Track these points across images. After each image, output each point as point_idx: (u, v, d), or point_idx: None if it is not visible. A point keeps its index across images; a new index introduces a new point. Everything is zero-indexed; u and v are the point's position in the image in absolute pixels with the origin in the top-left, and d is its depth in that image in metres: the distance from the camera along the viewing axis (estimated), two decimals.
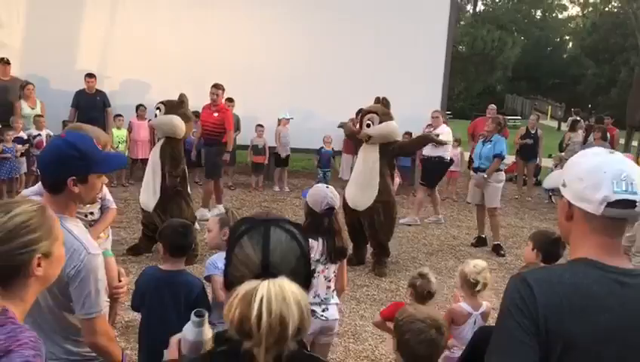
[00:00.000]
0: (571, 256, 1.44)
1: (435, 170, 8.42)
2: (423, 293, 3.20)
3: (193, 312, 1.34)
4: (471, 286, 3.20)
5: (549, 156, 12.92)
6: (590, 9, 39.49)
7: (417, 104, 10.28)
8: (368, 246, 6.44)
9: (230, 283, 1.21)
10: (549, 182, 1.57)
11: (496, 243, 7.37)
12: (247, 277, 1.16)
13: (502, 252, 7.22)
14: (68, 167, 1.92)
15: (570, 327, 1.29)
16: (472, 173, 7.46)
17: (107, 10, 10.03)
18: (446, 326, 2.35)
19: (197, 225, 6.45)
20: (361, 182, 6.18)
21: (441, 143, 7.52)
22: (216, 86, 7.88)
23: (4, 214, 1.46)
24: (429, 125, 8.94)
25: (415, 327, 2.29)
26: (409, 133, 10.15)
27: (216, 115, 7.84)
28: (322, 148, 10.33)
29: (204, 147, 8.18)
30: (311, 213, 3.26)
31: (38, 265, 1.48)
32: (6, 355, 1.31)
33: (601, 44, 33.53)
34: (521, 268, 3.03)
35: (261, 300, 1.08)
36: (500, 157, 7.14)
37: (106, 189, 2.91)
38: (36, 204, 1.54)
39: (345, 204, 6.22)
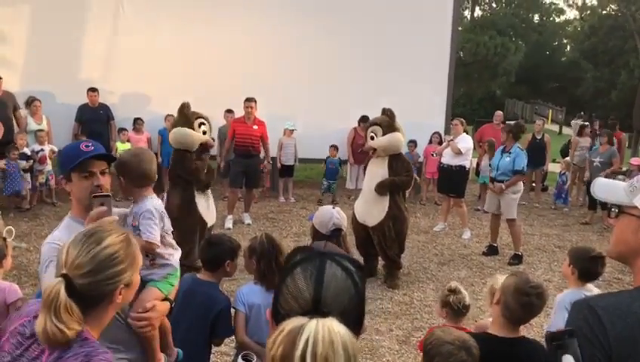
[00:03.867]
0: (638, 280, 1.35)
1: (457, 179, 8.28)
2: (458, 308, 3.14)
3: (241, 356, 1.27)
4: None
5: (553, 161, 12.85)
6: (588, 12, 39.56)
7: (422, 111, 10.26)
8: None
9: (276, 313, 1.15)
10: (609, 195, 1.43)
11: (517, 253, 7.26)
12: (295, 311, 1.10)
13: (515, 262, 7.14)
14: (59, 166, 2.34)
15: None
16: (490, 183, 7.34)
17: (109, 23, 9.98)
18: (476, 347, 2.28)
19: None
20: (370, 198, 6.08)
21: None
22: (250, 100, 8.19)
23: (95, 245, 1.52)
24: (444, 138, 8.86)
25: (444, 350, 2.23)
26: (414, 142, 10.12)
27: (255, 127, 8.17)
28: (328, 157, 10.24)
29: (240, 159, 8.20)
30: (317, 236, 3.17)
31: (119, 293, 1.55)
32: None
33: (599, 46, 33.56)
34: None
35: (306, 341, 1.01)
36: (520, 173, 7.06)
37: (142, 213, 2.43)
38: (122, 234, 1.60)
39: (353, 217, 6.14)
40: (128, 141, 9.40)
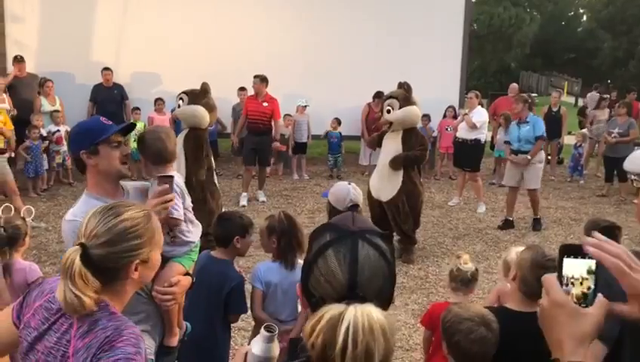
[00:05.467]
0: None
1: (473, 154, 8.20)
2: (466, 278, 3.12)
3: (263, 327, 1.27)
4: None
5: (569, 133, 12.67)
6: None
7: (436, 85, 10.13)
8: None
9: (309, 294, 1.15)
10: (635, 165, 1.40)
11: (536, 217, 7.39)
12: (330, 295, 1.09)
13: (538, 227, 7.28)
14: (76, 143, 2.18)
15: None
16: (510, 155, 7.26)
17: (121, 3, 9.93)
18: (495, 322, 2.27)
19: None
20: (384, 174, 6.05)
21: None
22: (256, 77, 8.11)
23: (114, 217, 1.53)
24: (458, 112, 8.78)
25: (463, 327, 2.21)
26: (427, 116, 10.01)
27: (266, 104, 8.09)
28: (328, 131, 10.20)
29: (251, 137, 8.20)
30: (334, 212, 3.16)
31: (135, 269, 1.55)
32: (110, 349, 1.41)
33: (617, 16, 32.75)
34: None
35: (347, 330, 1.01)
36: (542, 138, 7.07)
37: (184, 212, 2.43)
38: (144, 211, 1.61)
39: (368, 193, 6.13)
40: (151, 121, 9.29)
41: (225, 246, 3.07)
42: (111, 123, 2.21)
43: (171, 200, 2.19)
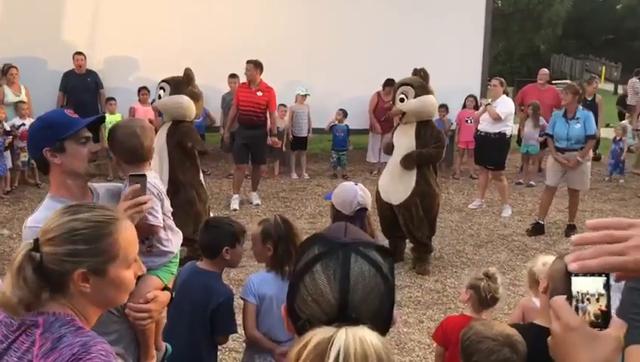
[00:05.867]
0: None
1: (497, 149, 8.18)
2: (486, 298, 3.12)
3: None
4: None
5: (607, 126, 12.65)
6: None
7: (455, 71, 10.10)
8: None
9: (294, 316, 1.14)
10: None
11: (571, 223, 7.42)
12: (318, 317, 1.08)
13: (571, 234, 7.24)
14: (38, 139, 2.17)
15: None
16: (556, 154, 7.22)
17: None
18: (522, 343, 2.26)
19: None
20: (395, 173, 6.04)
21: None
22: (249, 62, 8.05)
23: (69, 215, 1.55)
24: (480, 102, 8.75)
25: (484, 347, 2.22)
26: (445, 107, 10.00)
27: (260, 94, 8.04)
28: (335, 124, 10.17)
29: (244, 130, 8.19)
30: (339, 217, 3.16)
31: (84, 280, 1.52)
32: None
33: None
34: None
35: (337, 357, 1.00)
36: (593, 138, 7.17)
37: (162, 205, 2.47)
38: (110, 217, 1.60)
39: (377, 195, 6.13)
40: (134, 113, 9.26)
41: (212, 257, 3.06)
42: (77, 116, 2.21)
43: (145, 202, 2.17)
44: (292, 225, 3.17)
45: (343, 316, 1.07)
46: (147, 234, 2.32)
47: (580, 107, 7.22)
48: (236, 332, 3.20)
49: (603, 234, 1.02)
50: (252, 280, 3.16)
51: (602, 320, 1.01)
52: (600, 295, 1.01)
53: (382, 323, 1.10)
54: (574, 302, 1.02)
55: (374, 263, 1.13)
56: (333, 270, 1.10)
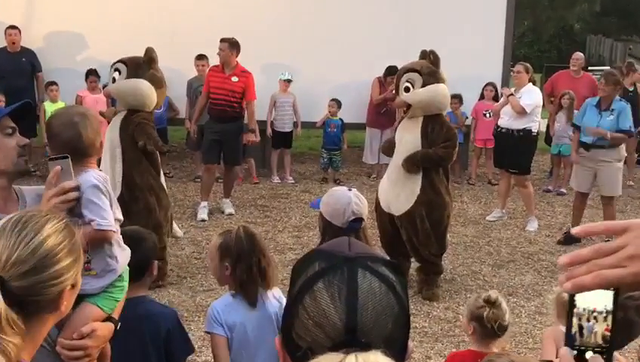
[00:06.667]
0: None
1: (521, 149, 8.22)
2: (492, 328, 3.19)
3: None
4: None
5: None
6: None
7: (470, 56, 10.17)
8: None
9: (293, 346, 1.14)
10: None
11: (608, 239, 7.36)
12: (321, 344, 1.09)
13: None
14: None
15: None
16: (580, 149, 7.45)
17: None
18: None
19: (178, 231, 6.64)
20: (398, 177, 6.09)
21: None
22: (224, 41, 8.03)
23: (34, 234, 1.53)
24: (501, 92, 8.80)
25: None
26: (458, 97, 10.06)
27: (235, 79, 8.04)
28: (327, 118, 10.19)
29: (215, 124, 8.23)
30: (330, 229, 3.19)
31: (64, 298, 1.58)
32: None
33: None
34: None
35: None
36: (629, 134, 7.39)
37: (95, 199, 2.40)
38: (62, 219, 1.63)
39: (377, 203, 6.18)
40: (82, 102, 9.17)
41: (139, 278, 3.03)
42: (1, 104, 2.26)
43: (71, 189, 2.17)
44: (258, 240, 3.19)
45: (351, 340, 1.07)
46: (98, 243, 2.30)
47: (618, 97, 7.37)
48: (194, 350, 3.31)
49: (593, 250, 1.06)
50: (215, 308, 3.16)
51: (607, 343, 1.04)
52: (608, 312, 1.04)
53: (397, 352, 1.10)
54: (576, 322, 1.05)
55: (386, 280, 1.14)
56: (338, 287, 1.11)
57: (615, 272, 1.02)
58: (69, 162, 2.19)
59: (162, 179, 6.21)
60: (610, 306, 1.04)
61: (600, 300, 1.04)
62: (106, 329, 2.37)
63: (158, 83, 6.08)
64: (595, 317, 1.04)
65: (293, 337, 1.14)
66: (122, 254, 2.48)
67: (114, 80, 6.11)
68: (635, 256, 1.01)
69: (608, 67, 28.31)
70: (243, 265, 3.06)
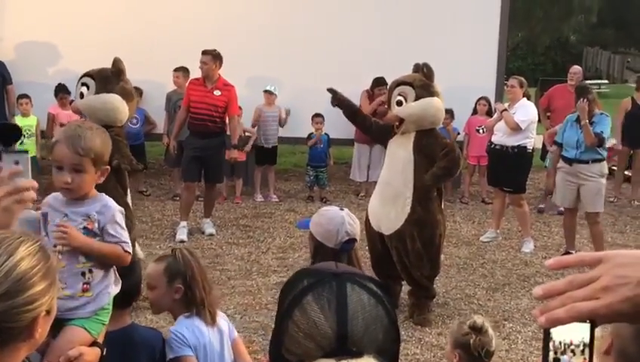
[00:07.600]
0: None
1: (516, 167, 8.24)
2: (479, 356, 3.19)
3: None
4: None
5: None
6: None
7: (462, 69, 10.22)
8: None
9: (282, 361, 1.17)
10: None
11: None
12: (313, 353, 1.12)
13: None
14: None
15: None
16: (562, 164, 7.56)
17: None
18: None
19: (140, 253, 6.59)
20: (388, 195, 6.09)
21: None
22: (207, 53, 8.06)
23: (7, 256, 1.51)
24: (495, 106, 8.85)
25: None
26: (449, 112, 10.08)
27: (217, 93, 8.09)
28: (312, 134, 10.18)
29: (195, 139, 8.21)
30: (322, 250, 3.20)
31: (39, 325, 1.56)
32: None
33: None
34: None
35: None
36: (599, 137, 7.30)
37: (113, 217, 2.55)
38: (36, 241, 1.60)
39: (366, 222, 6.17)
40: (54, 119, 9.22)
41: (127, 305, 3.05)
42: None
43: (28, 188, 2.15)
44: (199, 260, 3.26)
45: (342, 349, 1.10)
46: (115, 263, 2.38)
47: (598, 111, 7.47)
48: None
49: (567, 282, 1.07)
50: (179, 332, 3.11)
51: None
52: (585, 345, 1.05)
53: (389, 360, 1.14)
54: (552, 356, 1.06)
55: (374, 294, 1.18)
56: (328, 299, 1.14)
57: (589, 305, 1.03)
58: (29, 158, 2.13)
59: (129, 197, 6.16)
60: (587, 339, 1.05)
61: (576, 333, 1.06)
62: (93, 354, 2.39)
63: (129, 96, 6.05)
64: (572, 351, 1.05)
65: (282, 354, 1.16)
66: (117, 280, 2.56)
67: (82, 95, 6.07)
68: (609, 288, 1.03)
69: (606, 80, 28.64)
70: (198, 283, 3.09)
